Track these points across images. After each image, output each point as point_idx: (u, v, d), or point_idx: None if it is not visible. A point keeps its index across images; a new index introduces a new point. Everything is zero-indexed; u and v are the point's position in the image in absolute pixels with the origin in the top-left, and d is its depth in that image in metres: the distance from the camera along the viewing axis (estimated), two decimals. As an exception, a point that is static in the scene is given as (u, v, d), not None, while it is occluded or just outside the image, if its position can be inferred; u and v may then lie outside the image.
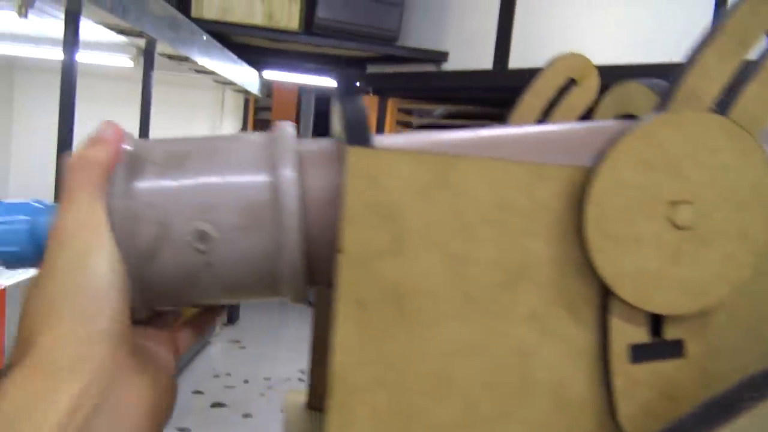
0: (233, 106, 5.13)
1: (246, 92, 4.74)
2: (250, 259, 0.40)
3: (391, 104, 5.06)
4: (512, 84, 3.38)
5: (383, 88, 4.62)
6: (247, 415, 3.78)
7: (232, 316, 5.38)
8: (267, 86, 5.00)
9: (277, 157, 0.40)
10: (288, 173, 0.40)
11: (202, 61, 3.44)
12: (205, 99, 5.02)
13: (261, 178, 0.40)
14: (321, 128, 6.42)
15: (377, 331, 0.35)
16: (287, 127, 0.44)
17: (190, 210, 0.39)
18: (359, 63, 4.63)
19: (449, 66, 4.13)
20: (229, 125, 5.11)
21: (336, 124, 0.43)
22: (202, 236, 0.39)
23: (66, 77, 2.42)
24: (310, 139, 0.45)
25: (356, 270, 0.34)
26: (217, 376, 4.31)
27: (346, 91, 0.43)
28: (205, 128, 5.06)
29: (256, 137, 0.43)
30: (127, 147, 0.41)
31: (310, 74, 4.88)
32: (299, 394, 0.60)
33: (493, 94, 4.08)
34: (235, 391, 4.12)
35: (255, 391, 4.15)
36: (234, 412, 3.83)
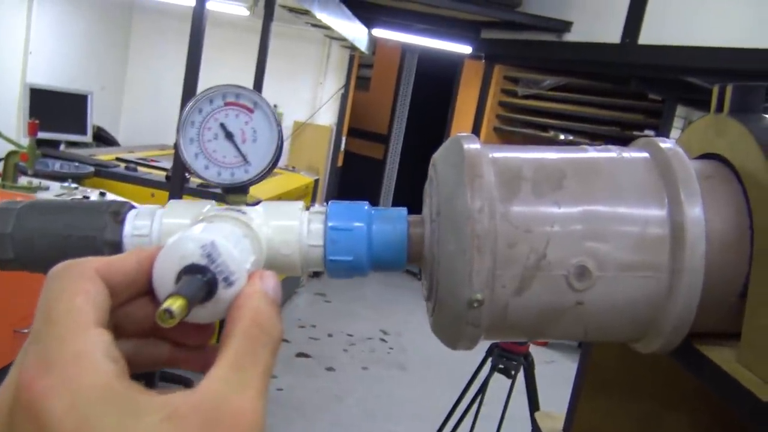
0: (338, 61, 5.08)
1: (353, 48, 4.68)
2: (629, 301, 0.34)
3: (498, 71, 4.89)
4: (641, 61, 3.17)
5: (497, 54, 4.45)
6: (330, 369, 3.84)
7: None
8: (372, 44, 4.92)
9: (679, 188, 0.34)
10: (696, 211, 0.33)
11: (320, 15, 3.39)
12: (311, 53, 4.99)
13: (658, 211, 0.34)
14: (422, 89, 6.31)
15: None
16: (677, 147, 0.37)
17: (572, 242, 0.33)
18: (473, 27, 4.46)
19: (571, 37, 3.92)
20: (333, 80, 5.08)
21: (739, 147, 0.36)
22: (582, 273, 0.33)
23: (196, 22, 2.42)
24: (694, 161, 0.38)
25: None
26: (302, 326, 4.40)
27: (751, 105, 0.36)
28: (309, 81, 5.05)
29: (638, 155, 0.36)
30: (494, 155, 0.35)
31: (418, 35, 4.76)
32: (552, 419, 0.55)
33: (615, 70, 3.86)
34: (319, 343, 4.19)
35: (338, 346, 4.21)
36: (318, 363, 3.89)
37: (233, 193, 0.38)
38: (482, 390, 2.33)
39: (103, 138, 4.24)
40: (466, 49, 4.66)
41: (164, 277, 0.30)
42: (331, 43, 4.91)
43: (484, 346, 2.32)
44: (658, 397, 0.52)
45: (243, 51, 4.30)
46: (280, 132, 0.39)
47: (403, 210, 0.39)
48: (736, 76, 3.16)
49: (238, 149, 0.37)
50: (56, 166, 3.04)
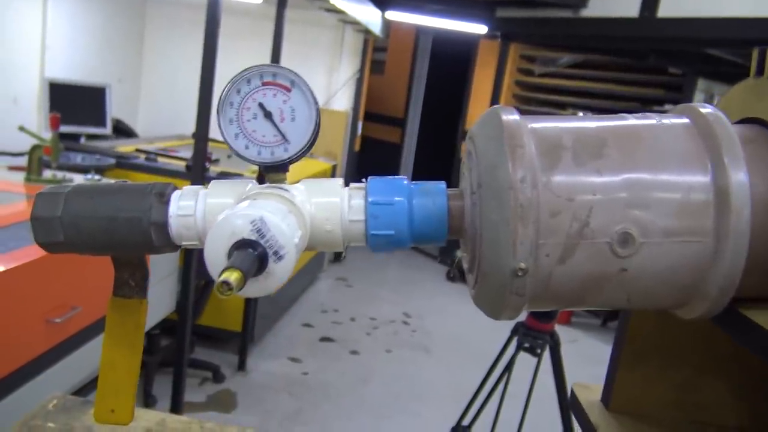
0: (352, 46, 5.06)
1: (366, 32, 4.66)
2: (673, 267, 0.34)
3: (514, 49, 4.84)
4: (660, 34, 3.13)
5: (514, 33, 4.40)
6: (354, 352, 3.87)
7: (339, 254, 5.48)
8: (386, 27, 4.89)
9: (722, 153, 0.34)
10: (741, 176, 0.33)
11: (334, 0, 3.38)
12: (325, 38, 4.97)
13: (702, 177, 0.34)
14: (437, 71, 6.27)
15: None
16: (718, 111, 0.36)
17: (615, 209, 0.34)
18: (488, 6, 4.42)
19: (588, 12, 3.86)
20: (348, 64, 5.06)
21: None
22: (626, 239, 0.33)
23: (211, 11, 2.43)
24: (736, 126, 0.37)
25: None
26: (325, 311, 4.43)
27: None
28: (324, 67, 5.04)
29: (678, 121, 0.36)
30: (533, 125, 0.35)
31: (432, 16, 4.72)
32: (589, 390, 0.55)
33: (633, 45, 3.80)
34: (343, 327, 4.22)
35: (361, 330, 4.24)
36: (342, 347, 3.92)
37: (273, 172, 0.39)
38: (508, 369, 2.33)
39: (122, 130, 4.28)
40: (481, 28, 4.61)
41: (216, 253, 0.31)
42: (345, 27, 4.88)
43: (509, 325, 2.33)
44: (696, 364, 0.52)
45: (258, 39, 4.30)
46: (317, 110, 0.39)
47: (442, 183, 0.39)
48: (760, 46, 3.08)
49: (277, 128, 0.38)
50: (78, 158, 3.08)
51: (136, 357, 0.44)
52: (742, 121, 0.41)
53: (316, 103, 0.39)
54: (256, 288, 0.31)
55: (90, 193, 0.38)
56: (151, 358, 2.92)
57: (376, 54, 6.06)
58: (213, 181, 0.39)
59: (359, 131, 5.33)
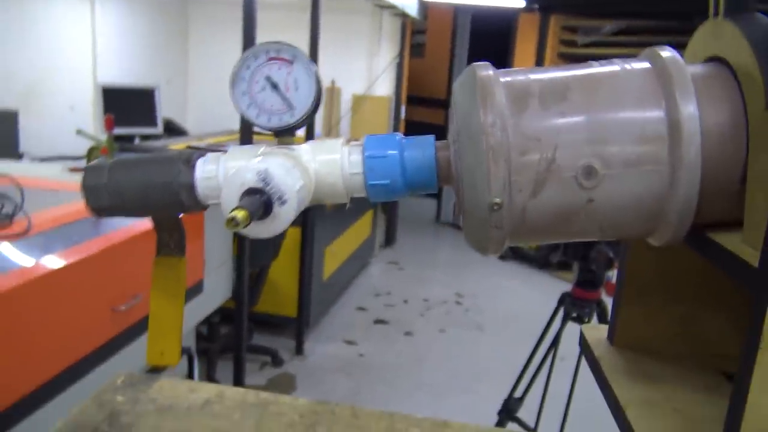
0: (390, 30, 5.09)
1: (404, 15, 4.68)
2: (636, 196, 0.38)
3: (554, 21, 4.78)
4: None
5: (553, 4, 4.35)
6: (408, 333, 3.94)
7: (389, 239, 5.55)
8: (423, 9, 4.89)
9: (674, 89, 0.37)
10: (690, 108, 0.36)
11: (369, -16, 3.41)
12: (363, 24, 5.01)
13: (657, 112, 0.37)
14: (477, 49, 6.23)
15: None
16: (673, 53, 0.40)
17: (578, 145, 0.38)
18: (525, -21, 4.37)
19: (626, -22, 3.78)
20: (387, 49, 5.09)
21: (733, 47, 0.39)
22: (589, 172, 0.37)
23: (247, 8, 2.51)
24: (694, 65, 0.41)
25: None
26: (378, 294, 4.51)
27: (740, 4, 0.39)
28: (364, 53, 5.09)
29: (639, 66, 0.40)
30: (505, 78, 0.40)
31: (469, -7, 4.69)
32: (596, 330, 0.59)
33: (676, 5, 3.70)
34: (396, 309, 4.30)
35: (414, 311, 4.30)
36: (396, 329, 4.00)
37: (282, 135, 0.44)
38: (556, 341, 2.35)
39: (172, 129, 4.44)
40: (519, 2, 4.56)
41: (230, 200, 0.37)
42: (382, 12, 4.91)
43: (556, 297, 2.34)
44: (695, 298, 0.55)
45: (296, 30, 4.38)
46: (318, 80, 0.44)
47: (431, 137, 0.44)
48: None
49: (283, 97, 0.43)
50: (134, 158, 3.24)
51: (179, 307, 0.51)
52: (707, 61, 0.44)
53: (316, 74, 0.44)
54: (265, 228, 0.37)
55: (129, 164, 0.44)
56: (212, 345, 3.06)
57: (415, 37, 6.07)
58: (231, 147, 0.45)
59: (403, 115, 5.36)
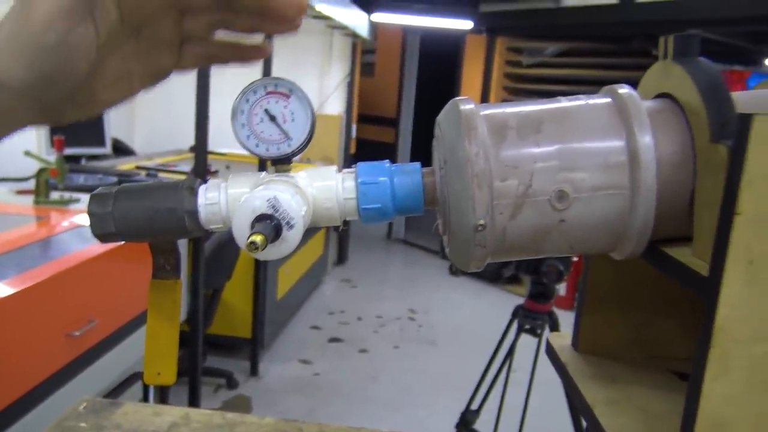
0: (341, 50, 5.14)
1: (354, 35, 4.75)
2: (602, 216, 0.43)
3: (500, 43, 4.94)
4: (640, 18, 3.21)
5: (499, 27, 4.50)
6: (362, 350, 3.96)
7: (342, 257, 5.58)
8: (373, 29, 4.98)
9: (632, 122, 0.43)
10: (647, 140, 0.42)
11: (320, 6, 3.46)
12: (315, 43, 5.06)
13: (618, 142, 0.43)
14: (426, 69, 6.36)
15: (763, 288, 0.38)
16: (632, 91, 0.46)
17: (551, 172, 0.43)
18: (472, 1, 4.52)
19: (570, 1, 3.96)
20: (338, 69, 5.14)
21: (681, 86, 0.45)
22: (561, 196, 0.43)
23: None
24: (648, 101, 0.47)
25: (750, 231, 0.37)
26: (332, 313, 4.52)
27: (687, 50, 0.45)
28: (315, 72, 5.12)
29: (601, 101, 0.46)
30: (485, 111, 0.45)
31: (418, 15, 4.81)
32: (561, 337, 0.64)
33: (616, 30, 3.90)
34: (350, 327, 4.32)
35: (368, 328, 4.33)
36: (350, 347, 4.02)
37: (280, 164, 0.48)
38: (510, 352, 2.42)
39: (120, 149, 4.36)
40: (466, 24, 4.70)
41: (242, 226, 0.40)
42: (333, 32, 4.97)
43: (507, 310, 2.42)
44: (649, 306, 0.61)
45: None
46: (312, 111, 0.48)
47: (417, 164, 0.48)
48: (737, 23, 3.19)
49: (280, 128, 0.47)
50: (81, 179, 3.16)
51: (175, 328, 0.54)
52: (657, 97, 0.50)
53: (311, 105, 0.48)
54: (275, 251, 0.41)
55: (134, 192, 0.47)
56: (166, 368, 3.00)
57: (365, 56, 6.15)
58: (231, 175, 0.48)
59: (354, 134, 5.41)
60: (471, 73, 5.24)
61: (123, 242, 0.48)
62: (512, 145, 0.44)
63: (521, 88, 5.06)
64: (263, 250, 0.37)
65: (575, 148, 0.43)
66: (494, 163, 0.43)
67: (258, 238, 0.37)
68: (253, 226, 0.40)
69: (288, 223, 0.40)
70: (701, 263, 0.42)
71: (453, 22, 4.76)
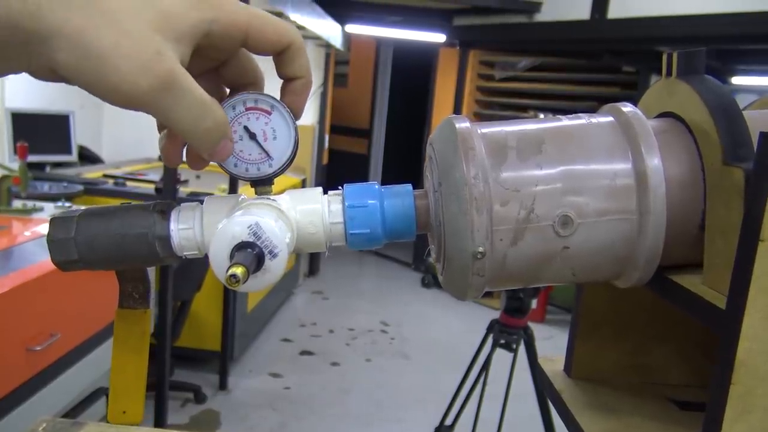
0: (314, 61, 5.11)
1: (328, 46, 4.72)
2: (608, 242, 0.41)
3: (473, 56, 4.96)
4: (611, 35, 3.27)
5: (471, 41, 4.52)
6: (334, 364, 3.91)
7: (313, 268, 5.51)
8: (347, 40, 4.96)
9: (640, 143, 0.40)
10: (656, 161, 0.40)
11: (294, 16, 3.43)
12: (287, 53, 5.00)
13: (625, 164, 0.40)
14: (399, 81, 6.36)
15: (786, 321, 0.35)
16: (636, 109, 0.43)
17: (555, 196, 0.40)
18: (445, 15, 4.53)
19: (542, 17, 3.99)
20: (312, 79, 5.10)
21: (688, 105, 0.42)
22: (565, 221, 0.40)
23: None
24: (652, 120, 0.44)
25: (773, 258, 0.34)
26: (303, 325, 4.46)
27: (694, 68, 0.43)
28: (287, 83, 5.07)
29: (604, 120, 0.43)
30: (482, 130, 0.42)
31: (391, 27, 4.81)
32: (552, 362, 0.62)
33: (587, 46, 3.94)
34: (322, 340, 4.26)
35: (340, 341, 4.28)
36: (322, 360, 3.96)
37: (260, 185, 0.44)
38: (486, 367, 2.40)
39: (87, 156, 4.25)
40: (439, 37, 4.72)
41: (220, 255, 0.36)
42: (307, 42, 4.93)
43: (485, 327, 2.40)
44: (646, 331, 0.59)
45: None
46: (295, 128, 0.44)
47: (409, 186, 0.45)
48: (705, 42, 3.25)
49: (261, 147, 0.43)
50: (45, 187, 3.07)
51: (143, 362, 0.49)
52: (660, 116, 0.48)
53: (294, 122, 0.44)
54: (257, 283, 0.37)
55: (99, 215, 0.43)
56: (132, 383, 2.91)
57: (338, 67, 6.13)
58: (207, 198, 0.44)
59: (326, 144, 5.37)
60: (444, 86, 5.25)
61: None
62: (513, 166, 0.41)
63: (493, 101, 5.08)
64: (245, 282, 0.34)
65: (579, 170, 0.41)
66: (494, 185, 0.40)
67: (239, 270, 0.33)
68: (232, 255, 0.36)
69: (271, 251, 0.36)
70: (714, 294, 0.40)
71: (426, 35, 4.76)
